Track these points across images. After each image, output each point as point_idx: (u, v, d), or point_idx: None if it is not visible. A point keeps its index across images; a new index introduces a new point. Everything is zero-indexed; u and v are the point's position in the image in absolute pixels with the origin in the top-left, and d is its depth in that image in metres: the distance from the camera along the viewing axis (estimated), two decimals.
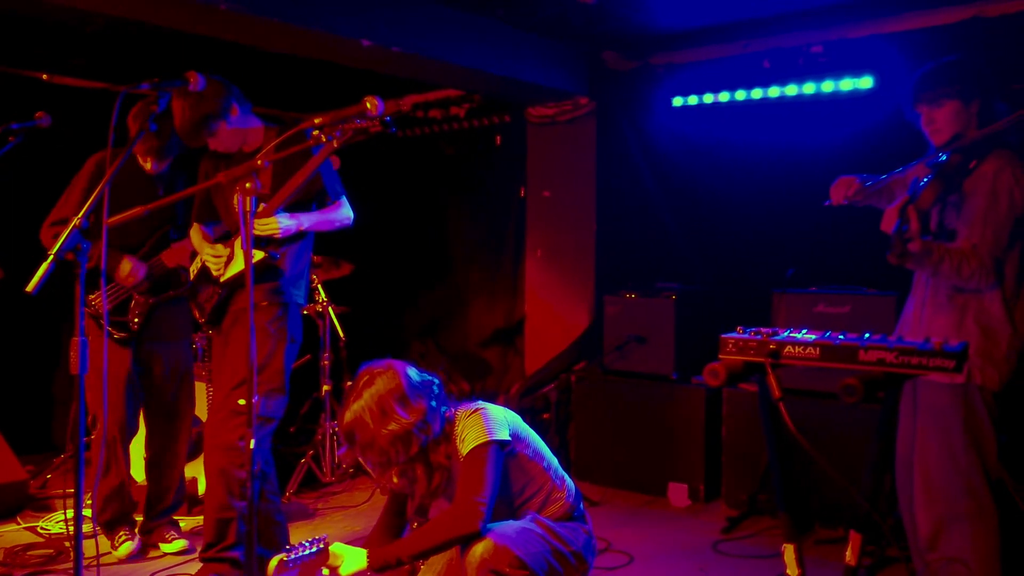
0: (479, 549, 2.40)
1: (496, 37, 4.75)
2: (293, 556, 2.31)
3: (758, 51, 4.78)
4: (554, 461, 2.78)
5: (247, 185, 2.27)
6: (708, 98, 5.01)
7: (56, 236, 3.53)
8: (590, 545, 2.74)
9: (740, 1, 4.39)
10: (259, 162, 2.32)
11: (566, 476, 2.79)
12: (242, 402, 3.12)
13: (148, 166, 3.75)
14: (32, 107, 3.45)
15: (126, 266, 3.68)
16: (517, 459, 2.64)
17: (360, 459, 2.63)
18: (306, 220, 3.30)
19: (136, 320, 3.74)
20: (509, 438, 2.59)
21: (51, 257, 2.23)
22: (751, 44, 4.81)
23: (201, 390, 4.68)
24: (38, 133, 3.40)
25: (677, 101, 5.11)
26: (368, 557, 2.44)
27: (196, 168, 3.67)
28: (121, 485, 3.81)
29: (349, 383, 2.67)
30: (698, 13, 4.62)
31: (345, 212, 3.42)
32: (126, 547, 3.78)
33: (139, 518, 3.97)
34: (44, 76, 5.26)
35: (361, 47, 4.14)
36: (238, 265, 3.32)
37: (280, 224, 3.17)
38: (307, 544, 2.37)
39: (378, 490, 4.80)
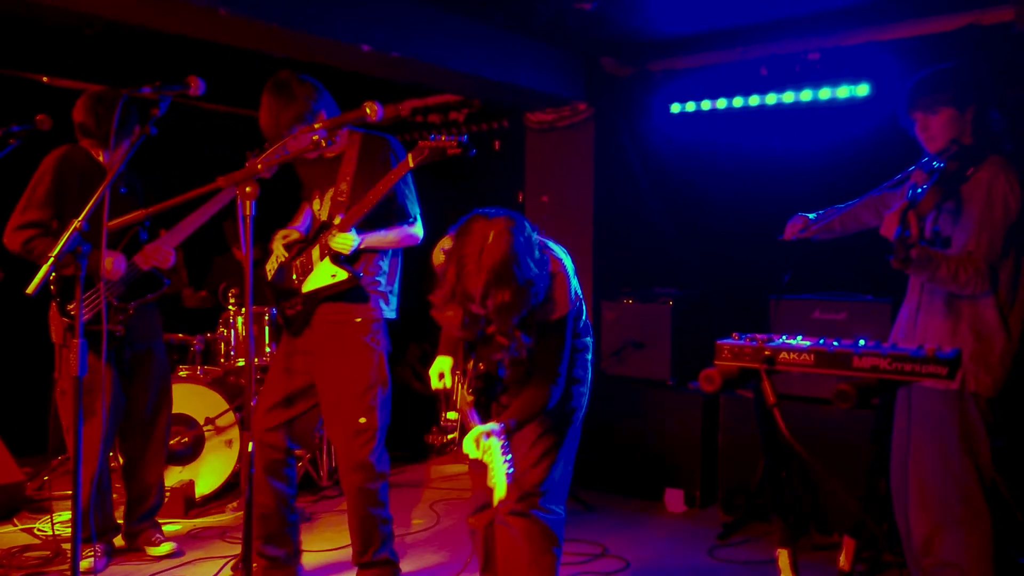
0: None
1: (495, 42, 4.77)
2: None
3: (755, 58, 4.80)
4: None
5: (247, 189, 2.28)
6: (706, 104, 5.02)
7: (28, 240, 3.55)
8: None
9: (737, 8, 4.41)
10: (259, 167, 2.34)
11: None
12: (363, 420, 3.26)
13: (100, 159, 3.72)
14: (31, 109, 3.46)
15: (107, 262, 3.58)
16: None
17: (481, 303, 2.46)
18: (371, 239, 3.29)
19: (119, 328, 3.67)
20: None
21: (51, 260, 2.24)
22: (748, 51, 4.83)
23: (198, 392, 4.69)
24: (38, 135, 3.41)
25: (675, 107, 5.13)
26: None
27: (197, 174, 3.67)
28: (102, 496, 3.76)
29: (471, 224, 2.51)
30: (696, 19, 4.64)
31: (414, 232, 3.43)
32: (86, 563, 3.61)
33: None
34: (44, 79, 5.27)
35: (360, 52, 4.15)
36: (318, 279, 3.31)
37: (353, 242, 3.21)
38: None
39: None
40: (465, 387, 2.72)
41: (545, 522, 2.68)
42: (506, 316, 2.43)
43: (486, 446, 2.37)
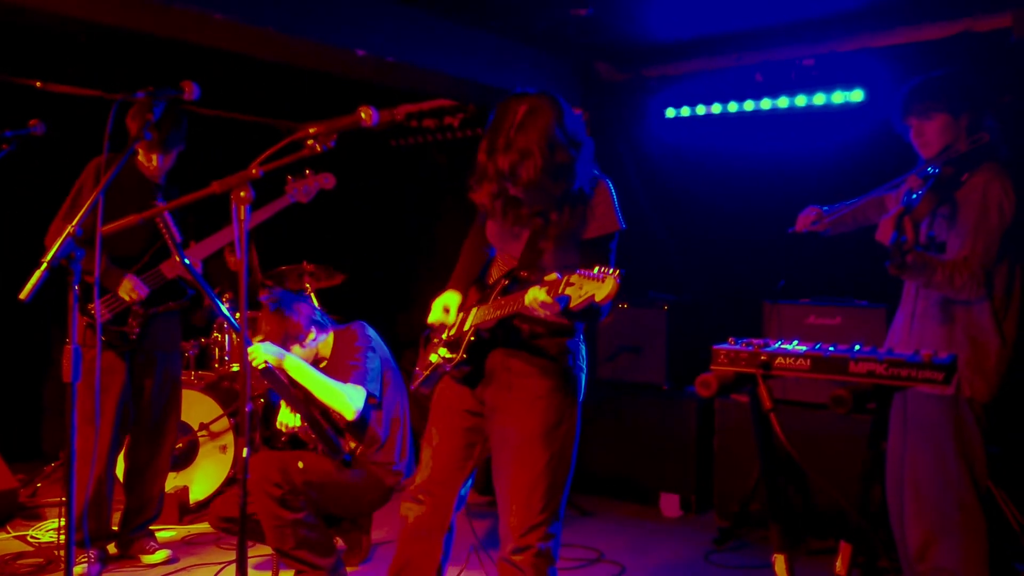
0: None
1: (490, 48, 4.77)
2: None
3: (750, 64, 4.81)
4: None
5: (242, 194, 2.27)
6: (700, 110, 5.04)
7: None
8: None
9: (733, 14, 4.42)
10: (253, 171, 2.32)
11: None
12: (301, 465, 3.19)
13: (153, 163, 3.70)
14: (25, 114, 3.45)
15: (127, 284, 3.61)
16: None
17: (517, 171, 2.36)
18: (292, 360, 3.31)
19: (136, 330, 3.68)
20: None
21: (44, 265, 2.22)
22: (743, 57, 4.84)
23: (192, 397, 4.67)
24: (32, 140, 3.40)
25: (670, 113, 5.14)
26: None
27: (192, 180, 3.67)
28: (101, 503, 3.72)
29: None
30: (691, 25, 4.65)
31: (347, 394, 3.27)
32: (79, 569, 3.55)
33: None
34: (38, 83, 5.24)
35: (356, 57, 4.15)
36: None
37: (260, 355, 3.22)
38: None
39: None
40: (494, 295, 2.58)
41: (548, 549, 2.58)
42: (536, 193, 2.38)
43: (571, 280, 2.13)
